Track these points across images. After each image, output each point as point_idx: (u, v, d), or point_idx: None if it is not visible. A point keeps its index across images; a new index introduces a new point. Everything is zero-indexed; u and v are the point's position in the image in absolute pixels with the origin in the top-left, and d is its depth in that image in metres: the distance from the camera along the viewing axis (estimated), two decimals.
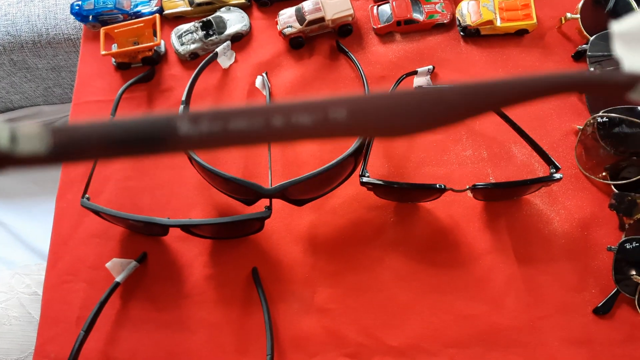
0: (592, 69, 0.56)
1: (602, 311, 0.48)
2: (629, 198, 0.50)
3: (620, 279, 0.48)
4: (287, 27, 0.62)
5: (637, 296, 0.48)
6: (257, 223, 0.52)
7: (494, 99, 0.17)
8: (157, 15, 0.63)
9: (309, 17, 0.60)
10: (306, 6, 0.61)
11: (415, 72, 0.59)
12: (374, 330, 0.50)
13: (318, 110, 0.16)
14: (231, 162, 0.58)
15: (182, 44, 0.64)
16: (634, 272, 0.48)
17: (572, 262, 0.50)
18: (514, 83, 0.17)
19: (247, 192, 0.50)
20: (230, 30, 0.64)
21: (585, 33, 0.58)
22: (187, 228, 0.51)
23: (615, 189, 0.52)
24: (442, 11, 0.62)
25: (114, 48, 0.64)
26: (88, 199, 0.53)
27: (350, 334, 0.50)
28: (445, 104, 0.17)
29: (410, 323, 0.50)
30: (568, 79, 0.18)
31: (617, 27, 0.23)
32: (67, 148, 0.15)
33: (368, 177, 0.50)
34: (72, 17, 0.71)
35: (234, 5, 0.66)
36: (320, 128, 0.16)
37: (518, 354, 0.48)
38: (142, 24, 0.62)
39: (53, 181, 0.61)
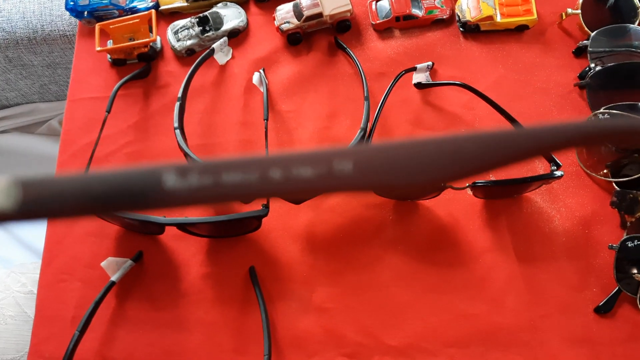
0: (593, 64, 0.56)
1: (603, 310, 0.48)
2: (631, 196, 0.49)
3: (622, 277, 0.48)
4: (285, 23, 0.61)
5: (638, 295, 0.47)
6: (254, 221, 0.51)
7: (518, 151, 0.15)
8: (153, 10, 0.62)
9: (306, 13, 0.60)
10: (304, 2, 0.60)
11: (414, 69, 0.58)
12: (373, 329, 0.49)
13: (321, 162, 0.15)
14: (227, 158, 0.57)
15: (179, 40, 0.63)
16: (635, 271, 0.47)
17: (573, 261, 0.50)
18: (560, 129, 0.16)
19: None
20: (227, 26, 0.63)
21: (586, 29, 0.57)
22: (184, 226, 0.50)
23: (616, 187, 0.51)
24: (442, 7, 0.61)
25: (110, 44, 0.63)
26: None
27: (349, 333, 0.49)
28: (463, 157, 0.15)
29: (409, 322, 0.49)
30: (610, 130, 0.16)
31: None
32: (39, 205, 0.14)
33: None
34: (67, 13, 0.70)
35: (231, 1, 0.65)
36: (324, 182, 0.15)
37: (518, 354, 0.47)
38: (137, 20, 0.61)
39: None
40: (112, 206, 0.14)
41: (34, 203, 0.14)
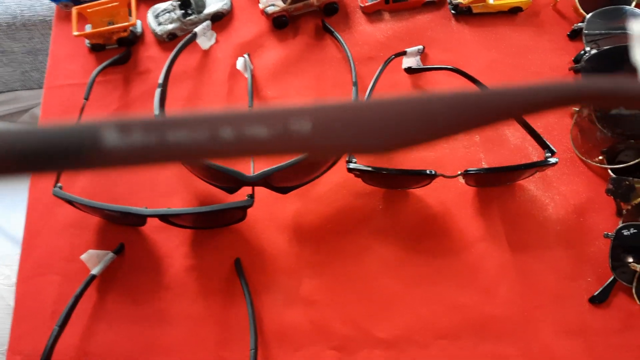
0: (587, 48, 0.54)
1: (598, 300, 0.47)
2: (627, 183, 0.48)
3: (617, 266, 0.47)
4: (270, 6, 0.59)
5: (634, 284, 0.46)
6: (239, 212, 0.49)
7: (489, 111, 0.15)
8: None
9: None
10: None
11: (404, 53, 0.56)
12: (362, 321, 0.48)
13: (277, 120, 0.13)
14: None
15: (160, 24, 0.61)
16: (631, 260, 0.46)
17: (567, 250, 0.48)
18: (517, 94, 0.15)
19: (229, 179, 0.48)
20: (210, 9, 0.61)
21: (581, 10, 0.56)
22: (166, 218, 0.48)
23: (612, 173, 0.50)
24: None
25: (88, 29, 0.60)
26: (60, 187, 0.50)
27: (337, 326, 0.48)
28: (433, 118, 0.14)
29: (399, 314, 0.48)
30: (583, 90, 0.15)
31: (637, 27, 0.20)
32: None
33: (355, 163, 0.48)
34: None
35: None
36: (279, 142, 0.13)
37: (511, 345, 0.46)
38: (117, 3, 0.59)
39: None
40: (42, 165, 0.13)
41: None
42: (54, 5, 0.65)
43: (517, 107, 0.15)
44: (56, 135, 0.13)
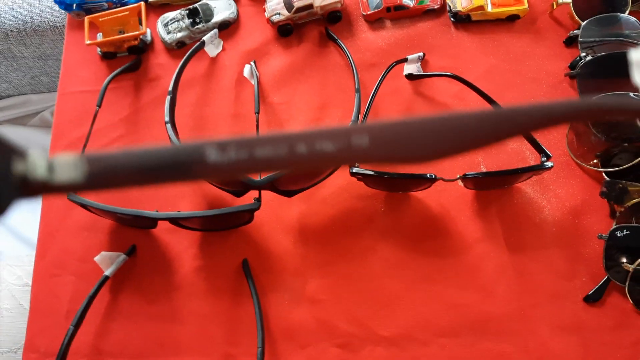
0: (583, 54, 0.56)
1: (592, 299, 0.48)
2: (620, 185, 0.49)
3: (611, 266, 0.48)
4: (275, 15, 0.60)
5: (627, 284, 0.48)
6: (246, 215, 0.51)
7: (515, 126, 0.17)
8: (142, 3, 0.61)
9: (297, 4, 0.59)
10: None
11: (405, 60, 0.58)
12: (365, 320, 0.50)
13: (341, 137, 0.16)
14: None
15: (169, 33, 0.62)
16: (624, 260, 0.48)
17: (563, 250, 0.50)
18: (535, 110, 0.17)
19: (236, 183, 0.50)
20: (217, 18, 0.63)
21: (577, 18, 0.57)
22: (176, 221, 0.50)
23: (606, 177, 0.51)
24: None
25: (99, 37, 0.62)
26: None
27: (341, 324, 0.50)
28: (465, 131, 0.17)
29: (401, 313, 0.50)
30: (591, 107, 0.18)
31: (636, 55, 0.23)
32: (102, 176, 0.16)
33: (358, 167, 0.50)
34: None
35: None
36: (344, 155, 0.16)
37: (509, 342, 0.48)
38: (127, 12, 0.61)
39: None
40: (163, 176, 0.16)
41: (99, 175, 0.16)
42: (64, 12, 0.67)
43: (535, 122, 0.18)
44: (171, 153, 0.16)
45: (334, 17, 0.62)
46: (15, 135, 1.08)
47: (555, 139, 0.54)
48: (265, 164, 0.16)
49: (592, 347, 0.47)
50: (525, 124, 0.18)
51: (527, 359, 0.47)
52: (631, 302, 0.48)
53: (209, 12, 0.63)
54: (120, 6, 0.63)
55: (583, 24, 0.56)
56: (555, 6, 0.58)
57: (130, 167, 0.16)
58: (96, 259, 0.52)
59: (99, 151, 0.16)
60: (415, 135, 0.17)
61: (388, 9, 0.60)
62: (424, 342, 0.49)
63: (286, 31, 0.62)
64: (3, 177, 0.15)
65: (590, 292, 0.48)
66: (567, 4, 0.57)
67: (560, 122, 0.18)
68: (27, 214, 0.97)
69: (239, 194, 0.52)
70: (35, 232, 0.58)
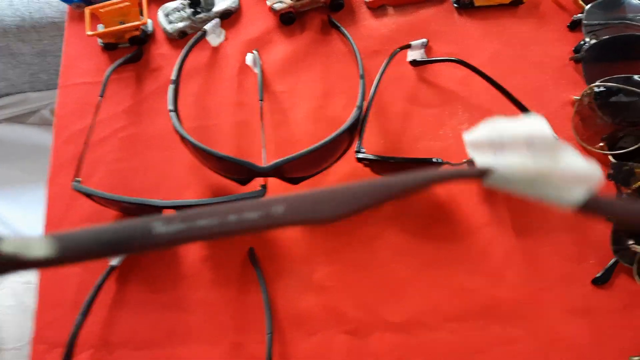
0: (587, 38, 0.56)
1: (601, 281, 0.48)
2: (627, 167, 0.49)
3: (619, 248, 0.48)
4: (277, 3, 0.60)
5: (635, 265, 0.47)
6: None
7: (392, 193, 0.22)
8: None
9: None
10: None
11: (409, 46, 0.58)
12: (374, 306, 0.49)
13: (262, 207, 0.20)
14: (224, 141, 0.57)
15: (170, 23, 0.62)
16: (632, 242, 0.48)
17: (570, 234, 0.50)
18: (401, 182, 0.22)
19: (241, 171, 0.49)
20: (219, 7, 0.62)
21: (580, 2, 0.57)
22: (181, 209, 0.50)
23: (612, 159, 0.51)
24: None
25: (100, 28, 0.62)
26: (79, 182, 0.52)
27: (349, 310, 0.49)
28: (355, 199, 0.21)
29: (409, 298, 0.49)
30: (435, 177, 0.24)
31: (468, 137, 0.30)
32: (71, 251, 0.18)
33: (364, 152, 0.49)
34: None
35: None
36: (266, 221, 0.20)
37: (518, 326, 0.48)
38: (128, 3, 0.61)
39: (41, 168, 0.60)
40: (119, 248, 0.19)
41: (67, 250, 0.18)
42: (62, 7, 0.67)
43: (406, 189, 0.22)
44: (123, 229, 0.19)
45: (336, 5, 0.61)
46: (14, 133, 1.08)
47: (561, 122, 0.54)
48: (203, 232, 0.19)
49: (602, 329, 0.47)
50: (400, 191, 0.22)
51: (536, 343, 0.47)
52: (639, 283, 0.47)
53: (210, 2, 0.62)
54: None
55: (587, 7, 0.56)
56: None
57: (90, 242, 0.19)
58: None
59: (63, 231, 0.19)
60: (319, 203, 0.21)
61: None
62: (433, 327, 0.48)
63: (288, 19, 0.61)
64: None
65: (599, 274, 0.48)
66: None
67: (411, 193, 0.23)
68: (27, 211, 0.97)
69: (244, 182, 0.52)
70: (35, 229, 0.57)
